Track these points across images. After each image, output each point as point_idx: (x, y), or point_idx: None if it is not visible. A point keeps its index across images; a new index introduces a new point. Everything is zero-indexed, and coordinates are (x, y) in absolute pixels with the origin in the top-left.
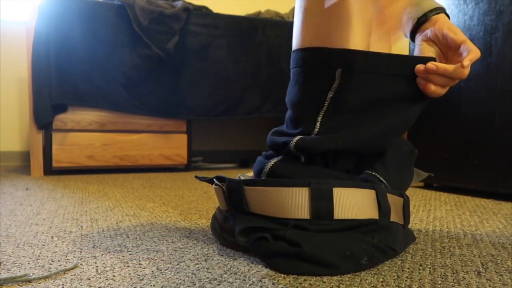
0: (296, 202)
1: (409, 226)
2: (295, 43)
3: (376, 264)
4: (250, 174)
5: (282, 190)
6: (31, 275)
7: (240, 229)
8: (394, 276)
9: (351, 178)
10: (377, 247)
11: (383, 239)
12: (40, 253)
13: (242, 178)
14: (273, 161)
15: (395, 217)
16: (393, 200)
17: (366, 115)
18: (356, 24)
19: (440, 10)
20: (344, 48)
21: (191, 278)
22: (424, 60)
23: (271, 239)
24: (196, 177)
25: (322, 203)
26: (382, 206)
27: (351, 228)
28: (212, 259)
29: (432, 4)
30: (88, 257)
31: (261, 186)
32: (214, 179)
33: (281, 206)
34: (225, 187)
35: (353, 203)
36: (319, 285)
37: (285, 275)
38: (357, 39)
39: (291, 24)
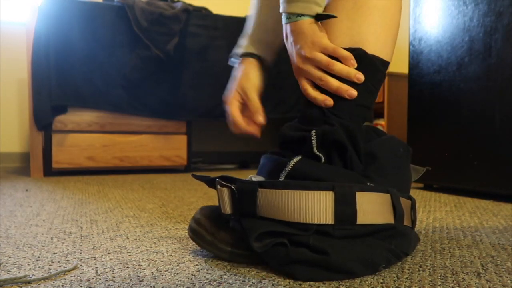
0: (319, 206)
1: None
2: None
3: (389, 268)
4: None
5: (305, 194)
6: (31, 276)
7: (257, 235)
8: (394, 277)
9: (364, 181)
10: (394, 252)
11: (399, 245)
12: (40, 254)
13: (254, 179)
14: (295, 159)
15: (406, 220)
16: (403, 203)
17: None
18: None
19: None
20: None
21: (191, 279)
22: None
23: (290, 246)
24: (193, 175)
25: (346, 208)
26: (397, 210)
27: (371, 233)
28: (212, 260)
29: None
30: (88, 258)
31: (281, 189)
32: (219, 180)
33: (302, 210)
34: (235, 188)
35: (372, 207)
36: (319, 286)
37: (285, 277)
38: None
39: None
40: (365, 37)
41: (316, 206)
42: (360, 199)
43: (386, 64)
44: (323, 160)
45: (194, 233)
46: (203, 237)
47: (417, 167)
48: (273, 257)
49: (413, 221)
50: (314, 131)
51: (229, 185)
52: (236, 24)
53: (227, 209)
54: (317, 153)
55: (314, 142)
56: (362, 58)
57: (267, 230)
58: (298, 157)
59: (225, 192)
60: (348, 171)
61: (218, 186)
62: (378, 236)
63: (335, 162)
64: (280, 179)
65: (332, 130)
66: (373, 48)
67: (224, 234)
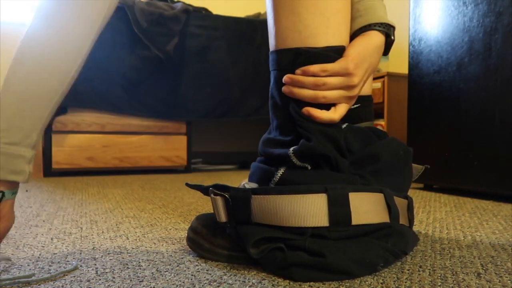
0: (313, 209)
1: None
2: (271, 44)
3: (388, 267)
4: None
5: (298, 198)
6: (31, 277)
7: (254, 241)
8: (394, 277)
9: (356, 182)
10: (391, 251)
11: (396, 243)
12: (40, 254)
13: (247, 186)
14: (282, 170)
15: (402, 219)
16: (399, 202)
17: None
18: (336, 21)
19: (380, 27)
20: (311, 46)
21: (191, 279)
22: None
23: (287, 250)
24: (187, 184)
25: (340, 209)
26: (392, 209)
27: (367, 233)
28: (212, 261)
29: (381, 17)
30: (87, 259)
31: (274, 194)
32: (212, 188)
33: (296, 215)
34: (229, 196)
35: (366, 207)
36: (319, 286)
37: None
38: (337, 35)
39: None
40: (315, 29)
41: (310, 210)
42: (353, 199)
43: (341, 49)
44: (309, 168)
45: (193, 242)
46: (201, 245)
47: (416, 166)
48: (271, 262)
49: (411, 221)
50: (292, 150)
51: (222, 193)
52: (236, 25)
53: (222, 217)
54: (301, 164)
55: (294, 159)
56: (313, 60)
57: (263, 236)
58: (285, 167)
59: (219, 201)
60: (336, 174)
61: (212, 195)
62: (374, 236)
63: (322, 166)
64: None
65: (309, 147)
66: (325, 38)
67: (221, 240)
